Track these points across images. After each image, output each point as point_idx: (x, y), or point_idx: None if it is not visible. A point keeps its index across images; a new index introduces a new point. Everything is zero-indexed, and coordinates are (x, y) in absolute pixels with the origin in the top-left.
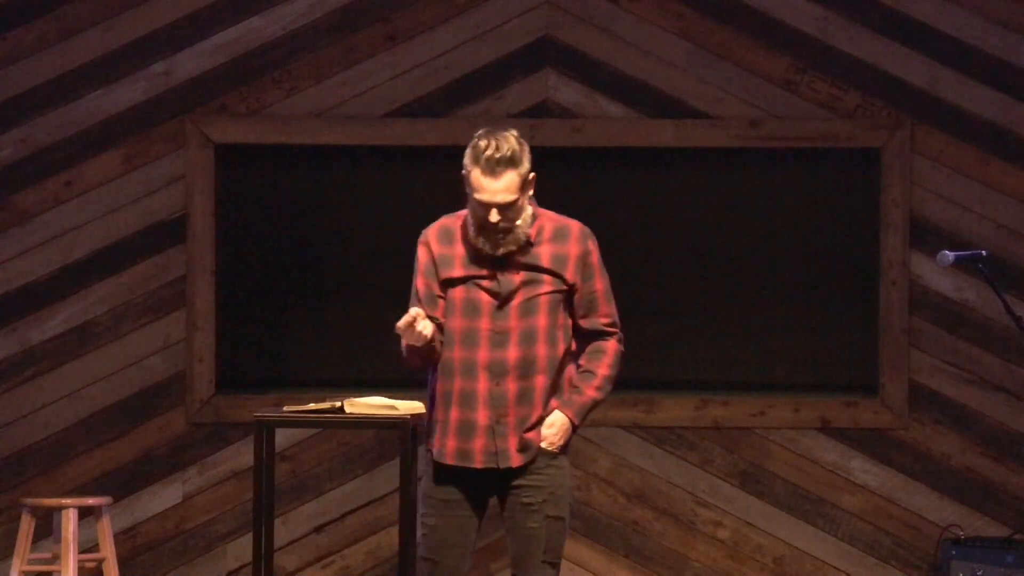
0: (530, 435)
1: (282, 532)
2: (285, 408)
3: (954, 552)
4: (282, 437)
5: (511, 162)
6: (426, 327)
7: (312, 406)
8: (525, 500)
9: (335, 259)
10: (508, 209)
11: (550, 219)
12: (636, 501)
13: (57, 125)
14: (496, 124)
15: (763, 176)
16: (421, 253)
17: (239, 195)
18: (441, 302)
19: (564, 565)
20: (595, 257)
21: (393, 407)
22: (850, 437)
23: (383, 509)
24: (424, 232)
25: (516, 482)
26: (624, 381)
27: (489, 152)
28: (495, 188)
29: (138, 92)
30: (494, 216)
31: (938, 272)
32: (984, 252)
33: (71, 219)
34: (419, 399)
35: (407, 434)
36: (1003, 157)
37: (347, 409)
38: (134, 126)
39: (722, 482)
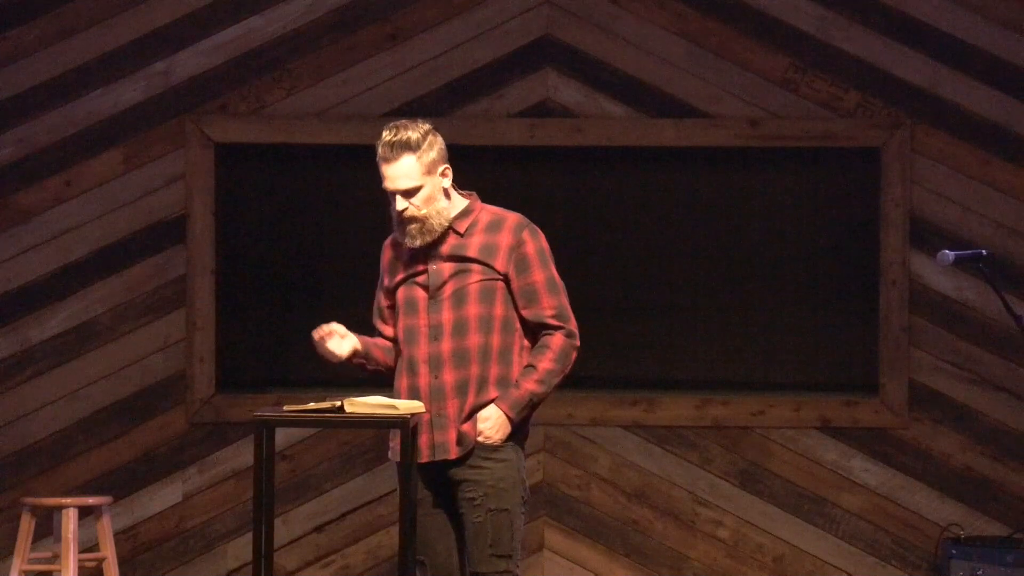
0: (466, 427)
1: (282, 532)
2: (285, 408)
3: (954, 551)
4: (282, 437)
5: (407, 146)
6: (338, 346)
7: (312, 406)
8: (468, 495)
9: (335, 259)
10: (412, 196)
11: (488, 212)
12: (636, 500)
13: (57, 125)
14: (494, 124)
15: (763, 176)
16: (380, 264)
17: (239, 195)
18: (387, 312)
19: (564, 564)
20: (531, 248)
21: (393, 407)
22: (850, 436)
23: (383, 509)
24: (384, 243)
25: (459, 476)
26: (624, 381)
27: (387, 138)
28: (393, 173)
29: (138, 92)
30: (399, 204)
31: (938, 272)
32: (984, 251)
33: (71, 219)
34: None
35: (407, 434)
36: (1003, 157)
37: (347, 409)
38: (134, 126)
39: (722, 481)
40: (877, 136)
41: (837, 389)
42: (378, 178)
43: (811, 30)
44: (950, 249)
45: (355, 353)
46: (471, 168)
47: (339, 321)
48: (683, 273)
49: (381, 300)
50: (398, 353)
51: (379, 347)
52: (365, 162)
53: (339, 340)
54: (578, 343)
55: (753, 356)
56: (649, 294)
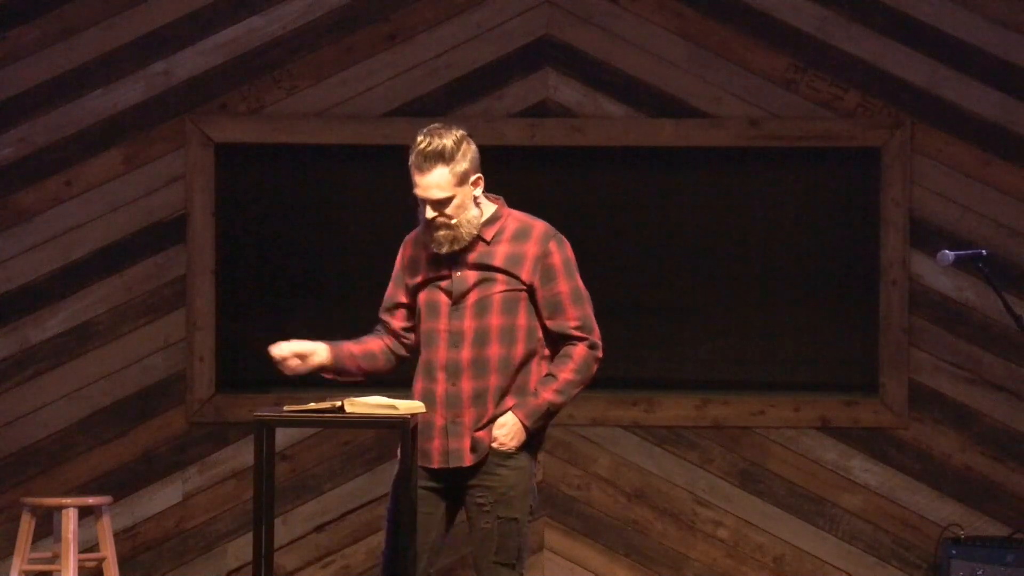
0: (481, 434)
1: (282, 532)
2: (285, 408)
3: (954, 551)
4: (282, 437)
5: (440, 157)
6: (292, 369)
7: (312, 406)
8: (478, 501)
9: (335, 259)
10: (442, 205)
11: (515, 219)
12: (636, 501)
13: (57, 125)
14: (494, 124)
15: (763, 176)
16: (397, 258)
17: (239, 195)
18: (401, 310)
19: (564, 564)
20: (557, 258)
21: (393, 407)
22: (850, 437)
23: (383, 508)
24: (406, 237)
25: (470, 482)
26: (624, 381)
27: (421, 146)
28: (425, 183)
29: (138, 92)
30: (429, 212)
31: (938, 272)
32: (984, 251)
33: (71, 219)
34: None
35: (407, 434)
36: (1003, 157)
37: (347, 409)
38: (134, 126)
39: (722, 482)
40: (877, 136)
41: (837, 389)
42: (379, 178)
43: (811, 30)
44: (950, 249)
45: (322, 368)
46: None
47: (340, 320)
48: (683, 273)
49: (398, 296)
50: (405, 344)
51: (356, 357)
52: (365, 162)
53: (295, 364)
54: (601, 354)
55: (753, 356)
56: (649, 294)
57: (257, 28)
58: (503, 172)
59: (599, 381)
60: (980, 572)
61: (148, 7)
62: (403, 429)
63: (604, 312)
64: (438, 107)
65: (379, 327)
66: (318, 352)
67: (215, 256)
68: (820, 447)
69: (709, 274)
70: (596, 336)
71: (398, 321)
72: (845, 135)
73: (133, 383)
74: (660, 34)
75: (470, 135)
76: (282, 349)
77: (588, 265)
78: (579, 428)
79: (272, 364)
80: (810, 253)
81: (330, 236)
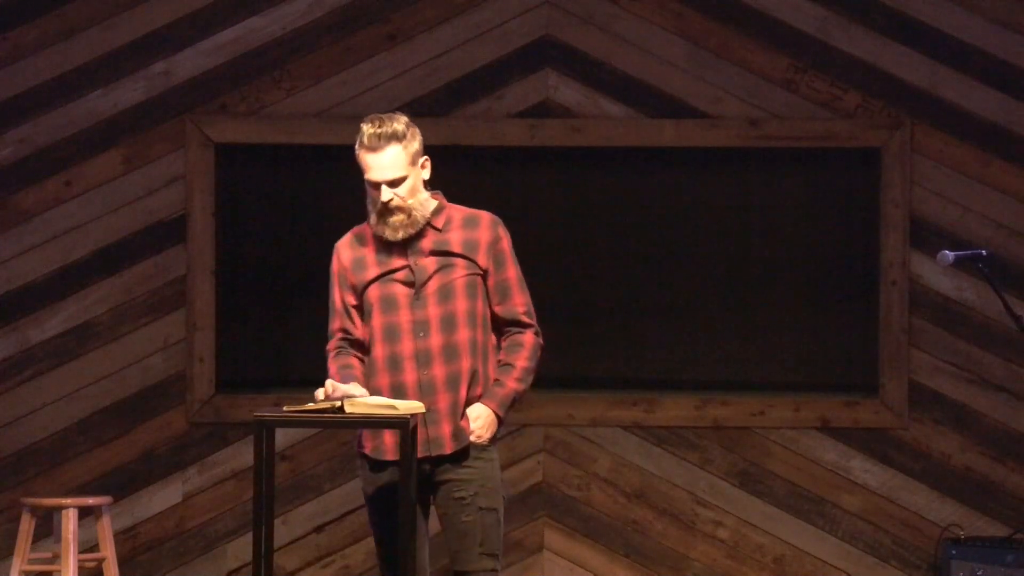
0: (464, 423)
1: (282, 532)
2: (285, 408)
3: (954, 552)
4: (282, 437)
5: (393, 136)
6: (326, 394)
7: (312, 406)
8: (457, 495)
9: None
10: (398, 186)
11: (458, 210)
12: (636, 501)
13: (57, 125)
14: (494, 124)
15: (763, 176)
16: (333, 264)
17: (239, 195)
18: (355, 311)
19: (564, 564)
20: (506, 244)
21: (393, 407)
22: (850, 437)
23: None
24: (336, 244)
25: (446, 476)
26: (624, 381)
27: (372, 130)
28: (380, 164)
29: (138, 92)
30: (385, 194)
31: (938, 272)
32: (984, 252)
33: (71, 219)
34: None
35: (407, 434)
36: (1003, 157)
37: (347, 409)
38: (134, 126)
39: (722, 482)
40: (877, 136)
41: (837, 389)
42: None
43: (811, 30)
44: (950, 249)
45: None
46: (471, 168)
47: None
48: (683, 273)
49: (349, 300)
50: (368, 352)
51: (361, 372)
52: None
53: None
54: (543, 342)
55: (753, 356)
56: (649, 294)
57: (257, 28)
58: (503, 172)
59: (599, 381)
60: (980, 572)
61: (148, 7)
62: (402, 429)
63: (604, 312)
64: (438, 107)
65: (341, 342)
66: (348, 387)
67: (215, 256)
68: (820, 447)
69: (709, 274)
70: (536, 323)
71: (360, 330)
72: (845, 135)
73: (133, 383)
74: (660, 34)
75: (470, 135)
76: (332, 393)
77: (587, 265)
78: (579, 428)
79: (272, 364)
80: (810, 253)
81: (330, 236)
